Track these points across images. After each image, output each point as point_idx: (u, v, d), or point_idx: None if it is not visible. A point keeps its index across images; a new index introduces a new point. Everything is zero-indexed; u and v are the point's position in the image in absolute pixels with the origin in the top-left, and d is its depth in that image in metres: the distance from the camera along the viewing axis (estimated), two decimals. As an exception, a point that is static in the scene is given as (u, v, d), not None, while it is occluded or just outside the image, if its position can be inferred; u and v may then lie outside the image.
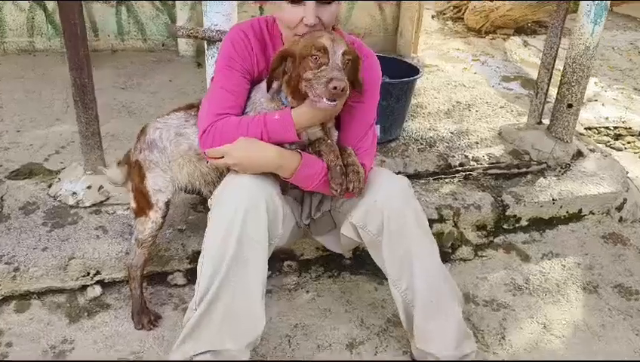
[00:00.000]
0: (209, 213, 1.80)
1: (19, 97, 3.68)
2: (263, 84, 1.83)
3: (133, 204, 2.11)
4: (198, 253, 2.31)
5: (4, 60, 4.42)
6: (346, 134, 1.91)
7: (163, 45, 4.84)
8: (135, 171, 2.08)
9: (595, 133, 4.37)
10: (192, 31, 2.42)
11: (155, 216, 2.06)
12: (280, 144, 1.77)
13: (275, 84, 1.79)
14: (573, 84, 3.12)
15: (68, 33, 2.30)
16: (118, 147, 3.03)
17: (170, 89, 4.00)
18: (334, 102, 1.65)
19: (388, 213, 1.80)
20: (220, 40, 2.32)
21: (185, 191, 2.13)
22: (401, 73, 3.20)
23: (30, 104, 3.57)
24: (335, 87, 1.59)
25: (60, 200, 2.53)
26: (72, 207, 2.50)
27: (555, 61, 3.22)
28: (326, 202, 2.09)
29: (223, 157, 1.77)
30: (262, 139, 1.73)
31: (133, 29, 4.81)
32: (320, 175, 1.79)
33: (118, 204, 2.53)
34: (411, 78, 3.13)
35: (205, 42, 2.42)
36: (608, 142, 4.19)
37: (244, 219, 1.69)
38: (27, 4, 4.51)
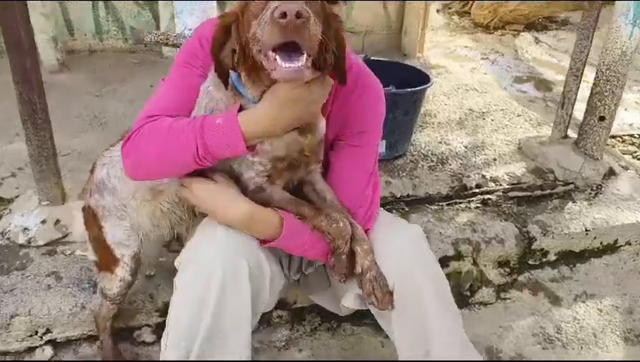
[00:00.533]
0: (175, 277, 1.41)
1: (-23, 107, 3.27)
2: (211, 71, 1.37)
3: (93, 257, 1.73)
4: (171, 304, 1.98)
5: (-32, 63, 4.01)
6: (340, 188, 1.51)
7: (145, 46, 4.40)
8: (90, 219, 1.68)
9: (619, 141, 3.96)
10: (161, 37, 2.02)
11: (122, 273, 1.67)
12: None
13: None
14: (606, 94, 2.72)
15: (10, 40, 1.90)
16: (85, 169, 2.61)
17: (151, 96, 3.58)
18: (298, 63, 1.08)
19: (399, 280, 1.41)
20: (195, 48, 1.93)
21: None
22: (407, 79, 2.81)
23: (-11, 115, 3.16)
24: (283, 14, 1.02)
25: (8, 238, 2.14)
26: (22, 246, 2.11)
27: (584, 67, 2.83)
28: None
29: None
30: (197, 152, 1.28)
31: (113, 28, 4.39)
32: (304, 246, 1.41)
33: (76, 241, 2.14)
34: (421, 88, 2.72)
35: (178, 50, 2.01)
36: (635, 152, 3.78)
37: (222, 290, 1.30)
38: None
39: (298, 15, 1.02)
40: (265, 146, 1.33)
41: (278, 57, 1.09)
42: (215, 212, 1.38)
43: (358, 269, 1.41)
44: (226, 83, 1.28)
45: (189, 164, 1.32)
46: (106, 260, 1.67)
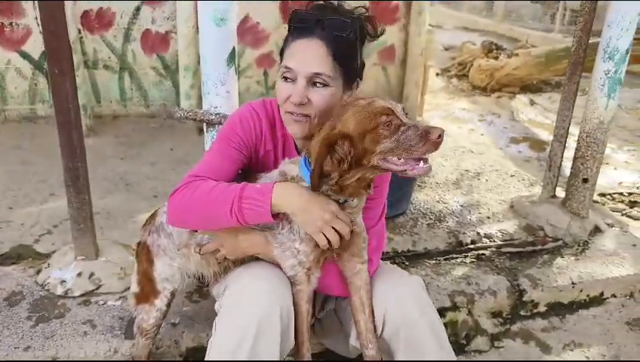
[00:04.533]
0: (215, 319, 1.63)
1: (14, 169, 3.58)
2: (273, 174, 1.67)
3: (136, 289, 1.95)
4: (193, 350, 2.18)
5: (3, 128, 4.36)
6: None
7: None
8: (143, 254, 1.92)
9: (609, 199, 4.20)
10: (190, 113, 2.32)
11: (160, 304, 1.91)
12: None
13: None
14: (587, 158, 3.00)
15: (61, 119, 2.20)
16: (112, 226, 2.90)
17: (171, 159, 3.91)
18: (429, 163, 1.43)
19: (402, 324, 1.63)
20: (220, 123, 2.23)
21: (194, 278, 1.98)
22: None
23: (25, 177, 3.47)
24: (440, 135, 1.37)
25: (47, 289, 2.38)
26: (60, 297, 2.34)
27: (567, 134, 3.11)
28: (330, 300, 1.94)
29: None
30: (230, 211, 1.53)
31: (136, 95, 4.77)
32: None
33: (109, 293, 2.37)
34: (419, 153, 3.01)
35: (204, 125, 2.31)
36: (624, 210, 4.01)
37: (257, 334, 1.52)
38: (30, 72, 4.49)
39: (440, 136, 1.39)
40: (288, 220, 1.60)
41: (422, 161, 1.42)
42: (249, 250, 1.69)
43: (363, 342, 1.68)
44: (318, 186, 1.52)
45: (224, 218, 1.56)
46: (147, 292, 1.91)
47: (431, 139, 1.38)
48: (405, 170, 1.44)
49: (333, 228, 1.54)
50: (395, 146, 1.42)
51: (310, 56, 1.59)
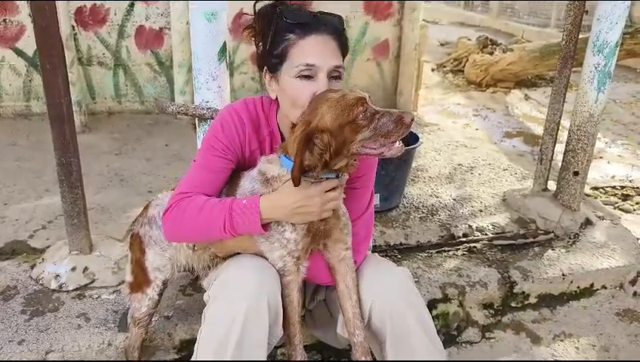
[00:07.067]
0: (204, 309, 1.66)
1: (9, 166, 3.60)
2: (253, 173, 1.70)
3: (129, 278, 1.99)
4: (186, 342, 2.20)
5: (-2, 125, 4.39)
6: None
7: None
8: (136, 244, 1.96)
9: (601, 193, 4.24)
10: (182, 108, 2.33)
11: (152, 293, 1.95)
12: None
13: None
14: (578, 151, 3.02)
15: (54, 113, 2.22)
16: (106, 221, 2.92)
17: (166, 154, 3.92)
18: (401, 144, 1.51)
19: (389, 316, 1.65)
20: (212, 118, 2.24)
21: (185, 270, 2.02)
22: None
23: (20, 173, 3.49)
24: (412, 119, 1.47)
25: (42, 284, 2.40)
26: (54, 291, 2.36)
27: (558, 127, 3.14)
28: (320, 291, 1.96)
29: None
30: (224, 228, 1.58)
31: (131, 92, 4.78)
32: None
33: (103, 287, 2.39)
34: (409, 148, 3.03)
35: (197, 119, 2.33)
36: (616, 203, 4.05)
37: (245, 322, 1.54)
38: (24, 69, 4.50)
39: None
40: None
41: (396, 143, 1.49)
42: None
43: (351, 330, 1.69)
44: (299, 181, 1.52)
45: (217, 234, 1.62)
46: (140, 281, 1.95)
47: (405, 122, 1.45)
48: (382, 153, 1.50)
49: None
50: (374, 134, 1.48)
51: (329, 50, 1.60)
